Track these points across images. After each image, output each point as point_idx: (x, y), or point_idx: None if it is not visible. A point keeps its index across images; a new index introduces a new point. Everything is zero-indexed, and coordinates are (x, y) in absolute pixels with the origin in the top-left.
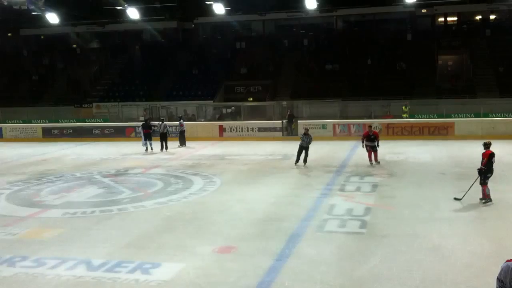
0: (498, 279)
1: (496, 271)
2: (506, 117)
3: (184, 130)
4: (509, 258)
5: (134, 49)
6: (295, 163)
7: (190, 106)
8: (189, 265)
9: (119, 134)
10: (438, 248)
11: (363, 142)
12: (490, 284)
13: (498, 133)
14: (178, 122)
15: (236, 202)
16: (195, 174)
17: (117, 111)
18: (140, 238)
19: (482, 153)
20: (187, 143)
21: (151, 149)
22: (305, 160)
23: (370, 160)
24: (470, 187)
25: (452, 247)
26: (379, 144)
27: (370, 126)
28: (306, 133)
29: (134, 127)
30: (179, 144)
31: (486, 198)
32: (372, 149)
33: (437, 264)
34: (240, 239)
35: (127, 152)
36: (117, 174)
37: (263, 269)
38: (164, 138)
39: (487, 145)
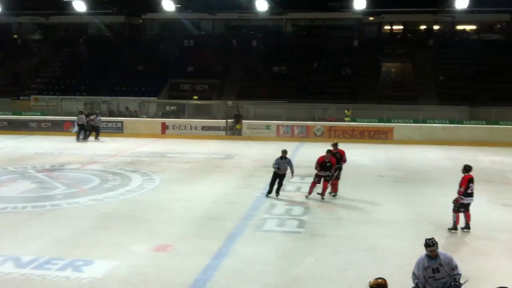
0: (413, 273)
1: None
2: (443, 123)
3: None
4: None
5: (78, 43)
6: (266, 195)
7: (133, 102)
8: (123, 263)
9: (57, 128)
10: (372, 249)
11: (318, 171)
12: None
13: (435, 138)
14: (94, 117)
15: (175, 200)
16: (133, 171)
17: (56, 105)
18: (73, 235)
19: (339, 151)
20: (122, 139)
21: (82, 138)
22: (277, 191)
23: (310, 192)
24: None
25: (386, 248)
26: (334, 174)
27: (330, 151)
28: (283, 157)
29: (73, 122)
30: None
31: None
32: (324, 178)
33: (371, 264)
34: (178, 237)
35: (64, 147)
36: (52, 169)
37: (199, 267)
38: (94, 130)
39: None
